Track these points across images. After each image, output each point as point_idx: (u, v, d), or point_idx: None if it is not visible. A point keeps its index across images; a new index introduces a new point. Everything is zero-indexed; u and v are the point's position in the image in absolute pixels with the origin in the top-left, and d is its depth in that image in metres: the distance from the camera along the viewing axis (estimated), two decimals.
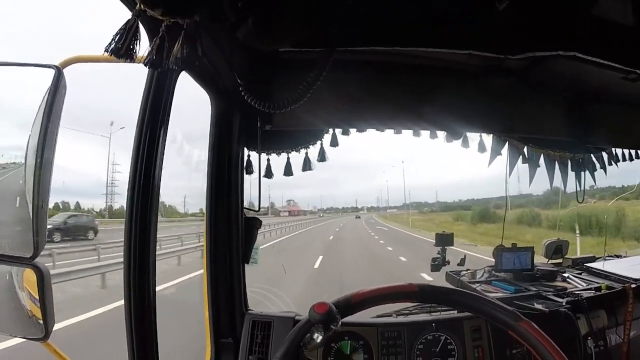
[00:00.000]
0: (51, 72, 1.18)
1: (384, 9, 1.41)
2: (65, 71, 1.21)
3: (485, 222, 32.97)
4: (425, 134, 2.10)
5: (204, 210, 1.86)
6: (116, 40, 1.02)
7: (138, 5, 0.99)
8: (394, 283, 1.29)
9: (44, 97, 1.17)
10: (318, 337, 1.15)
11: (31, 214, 1.16)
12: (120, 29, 1.02)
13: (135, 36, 1.03)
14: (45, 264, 1.22)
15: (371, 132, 2.02)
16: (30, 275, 1.23)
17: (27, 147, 1.22)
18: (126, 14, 1.06)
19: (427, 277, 7.64)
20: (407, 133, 2.05)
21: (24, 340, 1.36)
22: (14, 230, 1.29)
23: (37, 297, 1.23)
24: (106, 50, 1.03)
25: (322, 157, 2.08)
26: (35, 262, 1.19)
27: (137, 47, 1.04)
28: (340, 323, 1.16)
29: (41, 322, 1.24)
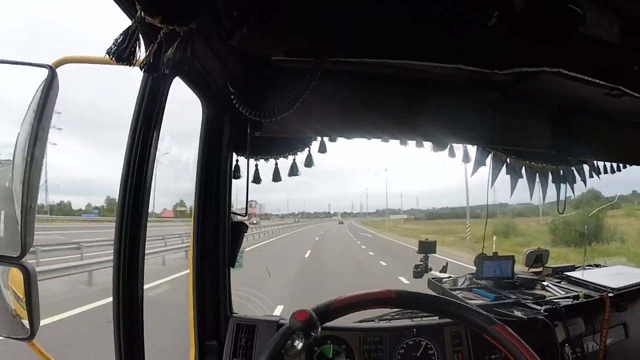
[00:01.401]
0: (44, 72, 1.19)
1: (376, 21, 1.43)
2: (58, 71, 1.21)
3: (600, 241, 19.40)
4: (410, 144, 2.12)
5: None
6: (118, 44, 1.03)
7: (138, 12, 1.00)
8: (372, 289, 1.32)
9: (34, 95, 1.17)
10: (299, 344, 1.17)
11: (19, 214, 1.16)
12: (122, 34, 1.03)
13: (137, 42, 1.04)
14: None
15: (344, 140, 2.05)
16: (15, 274, 1.23)
17: (16, 146, 1.21)
18: (123, 18, 1.07)
19: None
20: (383, 143, 2.07)
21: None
22: (1, 230, 1.28)
23: (22, 296, 1.22)
24: (108, 54, 1.04)
25: (309, 163, 2.09)
26: (23, 262, 1.19)
27: (138, 53, 1.05)
28: (320, 329, 1.19)
29: (25, 321, 1.23)
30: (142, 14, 1.00)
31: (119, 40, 1.03)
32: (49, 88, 1.17)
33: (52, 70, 1.19)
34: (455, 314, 1.33)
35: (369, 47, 1.53)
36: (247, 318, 1.94)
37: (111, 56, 1.04)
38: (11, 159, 1.25)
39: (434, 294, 2.31)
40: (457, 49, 1.53)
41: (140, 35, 1.06)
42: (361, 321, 2.07)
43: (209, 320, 1.92)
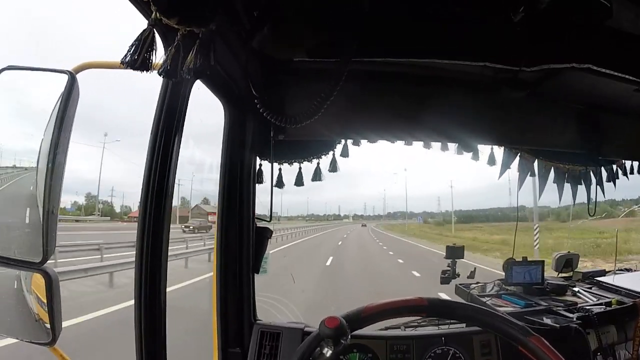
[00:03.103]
0: (64, 78, 1.19)
1: (400, 20, 1.41)
2: (78, 76, 1.21)
3: None
4: (434, 145, 2.09)
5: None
6: (132, 51, 1.00)
7: (154, 14, 0.98)
8: (404, 297, 1.29)
9: (57, 102, 1.18)
10: (328, 352, 1.14)
11: (41, 219, 1.16)
12: (136, 39, 1.00)
13: (151, 47, 1.01)
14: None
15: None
16: (38, 279, 1.23)
17: (39, 152, 1.22)
18: (141, 21, 1.05)
19: None
20: (397, 145, 2.04)
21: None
22: (24, 235, 1.29)
23: (45, 301, 1.22)
24: (122, 63, 1.01)
25: (333, 167, 2.07)
26: (44, 267, 1.19)
27: (153, 57, 1.02)
28: (349, 337, 1.15)
29: (48, 326, 1.23)
30: (158, 15, 0.98)
31: (133, 47, 1.00)
32: (69, 94, 1.17)
33: (72, 76, 1.19)
34: (489, 323, 1.29)
35: (393, 46, 1.51)
36: (271, 325, 1.92)
37: (125, 64, 1.01)
38: (35, 165, 1.25)
39: (462, 301, 2.26)
40: (483, 47, 1.50)
41: (159, 38, 1.05)
42: (387, 328, 2.03)
43: (233, 327, 1.90)
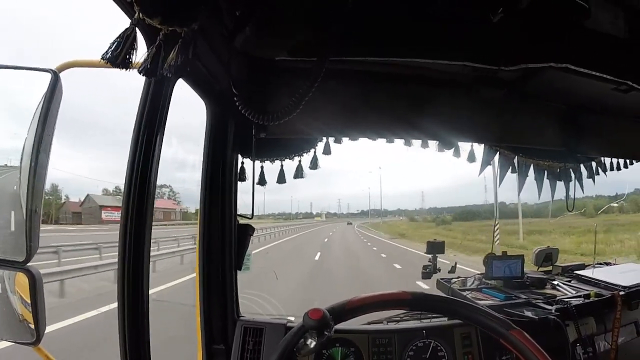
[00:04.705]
0: (48, 76, 1.19)
1: (380, 19, 1.42)
2: (62, 75, 1.22)
3: None
4: (414, 143, 2.11)
5: None
6: (113, 48, 1.00)
7: (137, 14, 0.99)
8: (388, 291, 1.31)
9: (40, 100, 1.18)
10: (312, 343, 1.16)
11: (24, 218, 1.16)
12: (118, 37, 1.00)
13: (133, 45, 1.01)
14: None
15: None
16: (22, 279, 1.23)
17: (23, 151, 1.22)
18: (124, 20, 1.06)
19: None
20: (371, 145, 2.06)
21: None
22: (6, 234, 1.29)
23: (29, 301, 1.22)
24: (103, 58, 1.01)
25: (314, 165, 2.08)
26: (28, 267, 1.19)
27: (135, 55, 1.03)
28: (333, 329, 1.17)
29: (32, 326, 1.24)
30: (141, 15, 0.98)
31: (115, 44, 1.01)
32: (53, 93, 1.17)
33: (55, 75, 1.19)
34: (471, 317, 1.31)
35: (373, 45, 1.52)
36: (254, 321, 1.93)
37: (106, 60, 1.01)
38: (19, 164, 1.25)
39: (444, 295, 2.30)
40: (462, 46, 1.52)
41: (142, 38, 1.05)
42: (370, 323, 2.06)
43: (216, 324, 1.91)
